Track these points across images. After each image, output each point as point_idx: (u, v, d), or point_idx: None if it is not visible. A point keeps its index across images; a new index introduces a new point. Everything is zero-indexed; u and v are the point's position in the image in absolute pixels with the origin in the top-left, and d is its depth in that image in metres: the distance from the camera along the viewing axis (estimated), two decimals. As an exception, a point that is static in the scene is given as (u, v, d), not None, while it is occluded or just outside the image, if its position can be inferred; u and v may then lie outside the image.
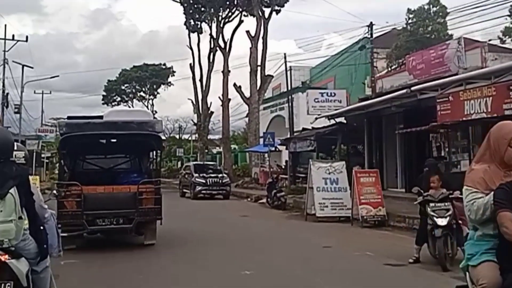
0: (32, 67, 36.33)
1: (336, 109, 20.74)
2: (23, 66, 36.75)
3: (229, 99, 39.19)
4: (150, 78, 70.13)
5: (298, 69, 44.84)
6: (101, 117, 11.54)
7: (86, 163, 12.76)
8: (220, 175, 27.75)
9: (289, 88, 26.69)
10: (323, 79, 34.79)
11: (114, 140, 11.23)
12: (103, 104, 72.08)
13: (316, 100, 22.24)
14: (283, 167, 34.08)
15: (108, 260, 9.85)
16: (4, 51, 35.98)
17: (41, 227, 4.93)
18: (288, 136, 28.34)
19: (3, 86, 34.16)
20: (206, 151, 45.76)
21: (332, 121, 22.76)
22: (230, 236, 13.57)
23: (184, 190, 28.47)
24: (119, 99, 72.85)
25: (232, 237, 13.36)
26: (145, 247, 11.01)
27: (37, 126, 46.72)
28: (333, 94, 22.37)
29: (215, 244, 12.06)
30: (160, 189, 11.12)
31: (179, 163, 56.78)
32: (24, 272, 4.47)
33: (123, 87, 72.15)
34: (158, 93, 72.64)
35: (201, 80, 44.99)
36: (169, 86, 72.37)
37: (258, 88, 34.40)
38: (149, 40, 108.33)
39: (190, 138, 70.27)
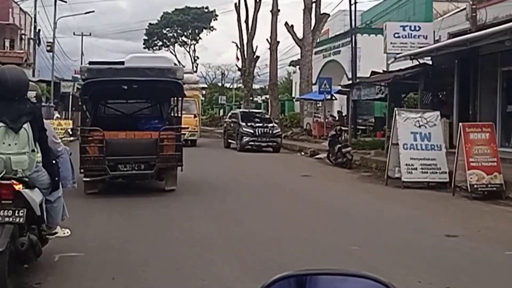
0: (65, 1, 32.47)
1: (420, 47, 16.34)
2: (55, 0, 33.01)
3: (278, 42, 34.81)
4: (192, 22, 66.32)
5: (347, 14, 40.36)
6: (122, 62, 10.93)
7: (108, 108, 12.28)
8: (270, 124, 23.81)
9: (353, 26, 22.30)
10: (376, 25, 30.23)
11: (135, 86, 10.71)
12: (144, 48, 69.06)
13: (396, 35, 17.74)
14: (336, 117, 29.95)
15: (129, 204, 9.66)
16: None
17: (54, 161, 5.28)
18: (349, 82, 24.02)
19: (35, 21, 30.59)
20: (251, 98, 41.78)
21: (402, 64, 18.42)
22: (297, 208, 9.81)
23: (230, 141, 24.76)
24: (160, 43, 69.38)
25: (302, 210, 9.59)
26: (168, 192, 10.68)
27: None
28: (417, 28, 17.77)
29: (280, 226, 8.28)
30: (181, 136, 11.04)
31: (221, 111, 53.12)
32: (38, 202, 4.86)
33: (164, 31, 68.50)
34: (200, 38, 68.78)
35: (246, 21, 40.68)
36: (211, 30, 68.53)
37: (312, 28, 29.88)
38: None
39: (232, 86, 66.63)
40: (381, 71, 19.70)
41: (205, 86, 69.67)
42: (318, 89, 25.74)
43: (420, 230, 7.99)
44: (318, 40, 30.99)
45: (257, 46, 41.24)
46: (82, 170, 9.85)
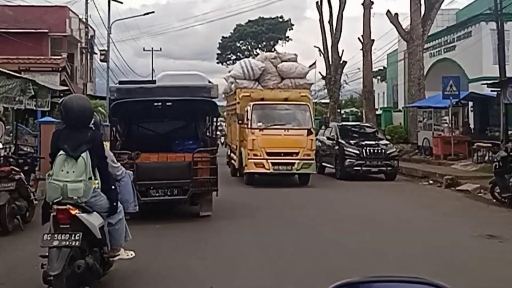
0: (121, 2, 27.13)
1: None
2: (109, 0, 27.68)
3: (372, 41, 27.84)
4: (267, 33, 60.70)
5: (441, 13, 33.12)
6: (154, 81, 10.92)
7: (139, 130, 11.12)
8: (381, 142, 16.89)
9: (499, 6, 15.19)
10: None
11: (167, 106, 9.90)
12: (217, 63, 64.29)
13: None
14: (459, 129, 22.47)
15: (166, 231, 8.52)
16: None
17: (113, 186, 5.29)
18: (492, 81, 16.63)
19: (86, 26, 25.26)
20: (339, 111, 34.80)
21: None
22: None
23: (324, 164, 17.90)
24: (234, 57, 63.82)
25: None
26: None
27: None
28: None
29: None
30: (216, 158, 9.74)
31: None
32: (97, 225, 4.88)
33: (238, 44, 63.08)
34: (275, 50, 62.60)
35: (330, 22, 34.06)
36: (287, 41, 62.21)
37: (422, 16, 22.76)
38: (264, 2, 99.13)
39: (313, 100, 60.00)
40: None
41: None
42: (442, 92, 18.54)
43: None
44: (429, 33, 23.71)
45: (343, 50, 34.50)
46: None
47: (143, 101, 9.69)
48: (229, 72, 17.55)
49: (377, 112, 33.12)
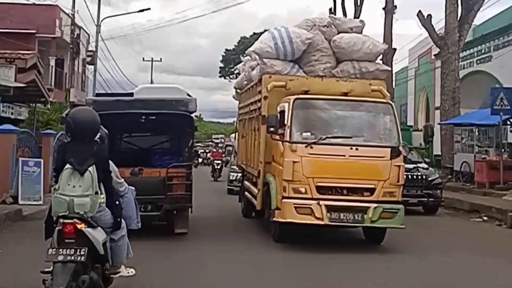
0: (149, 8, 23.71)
1: None
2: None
3: (394, 50, 24.51)
4: (272, 45, 57.29)
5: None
6: (131, 94, 10.04)
7: (119, 144, 10.85)
8: (421, 166, 13.37)
9: None
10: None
11: (146, 119, 9.56)
12: (220, 77, 61.60)
13: None
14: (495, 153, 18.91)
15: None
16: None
17: (117, 202, 5.13)
18: None
19: (72, 23, 21.80)
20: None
21: None
22: None
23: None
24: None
25: None
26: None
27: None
28: None
29: None
30: (191, 174, 9.36)
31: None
32: (101, 241, 4.72)
33: (241, 57, 59.95)
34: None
35: (345, 31, 30.83)
36: (294, 55, 59.04)
37: (458, 18, 19.34)
38: (269, 23, 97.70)
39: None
40: None
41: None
42: (490, 106, 15.10)
43: None
44: (466, 39, 20.29)
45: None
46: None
47: (120, 114, 9.09)
48: (250, 49, 10.38)
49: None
